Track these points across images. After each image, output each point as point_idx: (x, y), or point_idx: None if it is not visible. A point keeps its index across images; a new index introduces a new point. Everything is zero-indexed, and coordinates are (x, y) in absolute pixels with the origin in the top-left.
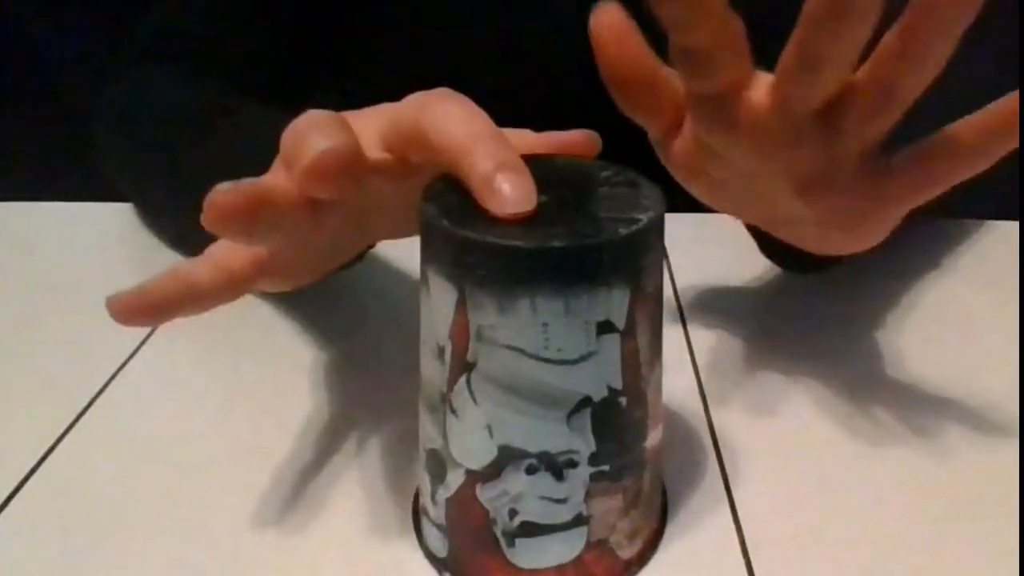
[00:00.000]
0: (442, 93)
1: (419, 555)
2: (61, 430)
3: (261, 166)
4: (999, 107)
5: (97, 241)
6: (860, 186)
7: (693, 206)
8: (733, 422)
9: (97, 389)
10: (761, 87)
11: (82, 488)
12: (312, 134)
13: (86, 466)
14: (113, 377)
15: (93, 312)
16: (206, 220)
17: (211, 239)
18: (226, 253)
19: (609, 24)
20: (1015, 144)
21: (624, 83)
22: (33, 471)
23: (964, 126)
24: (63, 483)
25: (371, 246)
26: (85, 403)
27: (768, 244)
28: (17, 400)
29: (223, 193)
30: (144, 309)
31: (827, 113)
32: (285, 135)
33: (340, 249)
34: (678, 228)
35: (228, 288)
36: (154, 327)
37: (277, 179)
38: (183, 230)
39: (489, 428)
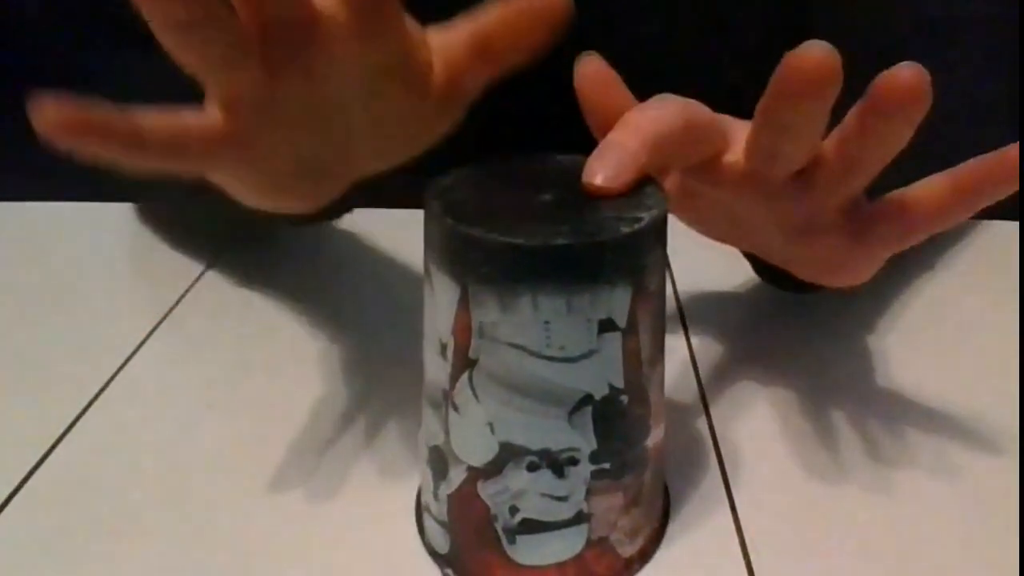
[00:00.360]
0: None
1: (422, 551)
2: (61, 430)
3: None
4: (988, 162)
5: (97, 241)
6: (844, 231)
7: None
8: (733, 422)
9: (97, 389)
10: (739, 147)
11: (82, 488)
12: None
13: (86, 466)
14: (113, 377)
15: (93, 312)
16: None
17: None
18: (182, 112)
19: (593, 73)
20: (1003, 196)
21: (609, 129)
22: (33, 471)
23: (948, 179)
24: (63, 483)
25: (360, 194)
26: (85, 403)
27: (762, 267)
28: (17, 400)
29: None
30: (75, 121)
31: (800, 175)
32: None
33: (316, 162)
34: (678, 228)
35: (172, 139)
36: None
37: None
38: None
39: (491, 425)
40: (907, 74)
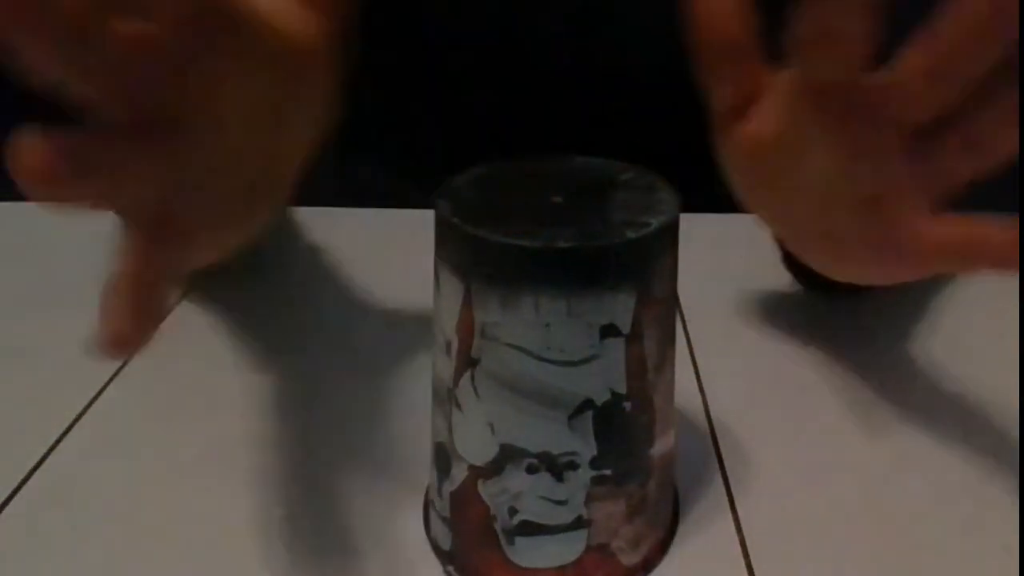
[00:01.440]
0: None
1: (428, 546)
2: (60, 431)
3: None
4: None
5: (97, 241)
6: (902, 227)
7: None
8: (735, 425)
9: (97, 389)
10: (874, 85)
11: (81, 489)
12: None
13: (85, 467)
14: (113, 377)
15: (93, 312)
16: None
17: None
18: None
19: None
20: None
21: (713, 37)
22: (33, 471)
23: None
24: (63, 483)
25: (280, 215)
26: (85, 403)
27: (791, 261)
28: (17, 400)
29: None
30: (132, 334)
31: (922, 139)
32: None
33: (264, 171)
34: (680, 228)
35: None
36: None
37: None
38: None
39: (491, 425)
40: None
